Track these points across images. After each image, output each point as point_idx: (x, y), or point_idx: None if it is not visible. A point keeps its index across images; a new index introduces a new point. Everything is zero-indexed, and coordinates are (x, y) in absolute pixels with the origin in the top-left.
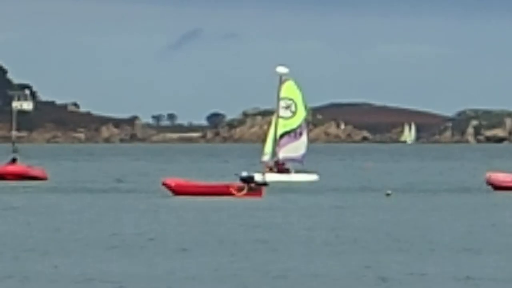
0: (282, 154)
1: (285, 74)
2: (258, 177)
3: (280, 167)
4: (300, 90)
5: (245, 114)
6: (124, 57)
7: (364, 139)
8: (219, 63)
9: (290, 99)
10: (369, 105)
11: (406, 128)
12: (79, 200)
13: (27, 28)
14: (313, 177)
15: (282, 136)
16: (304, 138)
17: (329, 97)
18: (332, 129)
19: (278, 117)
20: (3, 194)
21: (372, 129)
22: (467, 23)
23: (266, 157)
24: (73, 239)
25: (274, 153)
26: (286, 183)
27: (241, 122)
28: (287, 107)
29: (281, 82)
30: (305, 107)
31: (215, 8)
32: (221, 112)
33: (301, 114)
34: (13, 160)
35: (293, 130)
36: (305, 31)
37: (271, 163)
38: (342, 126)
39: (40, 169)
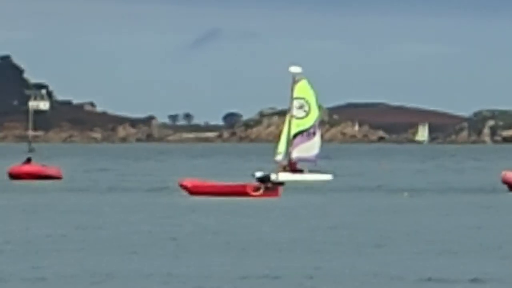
0: (295, 154)
1: (298, 74)
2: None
3: (293, 167)
4: (313, 89)
5: (262, 114)
6: (142, 56)
7: (381, 139)
8: (237, 62)
9: (304, 99)
10: (386, 105)
11: (420, 128)
12: (95, 199)
13: (44, 27)
14: (327, 176)
15: (295, 136)
16: (317, 138)
17: (345, 97)
18: (349, 129)
19: (292, 117)
20: (28, 193)
21: (389, 129)
22: (485, 23)
23: (279, 157)
24: (97, 237)
25: (287, 153)
26: (300, 182)
27: (257, 122)
28: (301, 107)
29: (294, 82)
30: (319, 107)
31: (234, 8)
32: (238, 112)
33: (314, 114)
34: (28, 160)
35: (306, 130)
36: (323, 30)
37: (285, 163)
38: (356, 127)
39: (55, 168)
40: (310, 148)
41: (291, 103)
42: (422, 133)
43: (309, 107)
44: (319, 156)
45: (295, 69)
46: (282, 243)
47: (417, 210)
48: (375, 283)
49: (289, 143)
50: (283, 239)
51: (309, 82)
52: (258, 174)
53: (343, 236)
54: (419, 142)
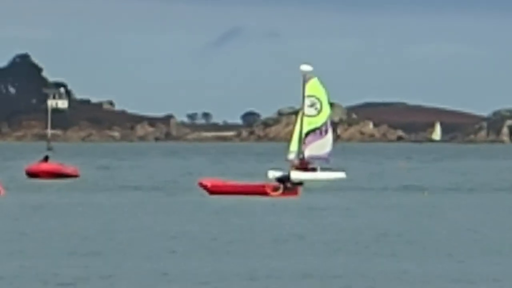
0: (307, 152)
1: (309, 72)
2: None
3: (304, 165)
4: (325, 88)
5: (280, 113)
6: (161, 55)
7: (399, 138)
8: (257, 61)
9: (315, 97)
10: (404, 104)
11: (437, 126)
12: (114, 198)
13: (63, 26)
14: (340, 174)
15: (307, 134)
16: (329, 136)
17: (364, 97)
18: (367, 128)
19: (303, 115)
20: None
21: (407, 128)
22: (503, 23)
23: (291, 155)
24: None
25: (299, 151)
26: (313, 181)
27: (276, 121)
28: (312, 105)
29: (305, 80)
30: (330, 105)
31: (256, 7)
32: (256, 111)
33: (326, 112)
34: (46, 158)
35: (318, 128)
36: (343, 30)
37: (297, 161)
38: (371, 126)
39: (73, 167)
40: (322, 146)
41: (303, 101)
42: (437, 132)
43: (321, 105)
44: (331, 154)
45: (305, 67)
46: (319, 243)
47: (441, 208)
48: (422, 283)
49: (302, 141)
50: (320, 239)
51: (320, 81)
52: (271, 173)
53: (376, 236)
54: (434, 141)
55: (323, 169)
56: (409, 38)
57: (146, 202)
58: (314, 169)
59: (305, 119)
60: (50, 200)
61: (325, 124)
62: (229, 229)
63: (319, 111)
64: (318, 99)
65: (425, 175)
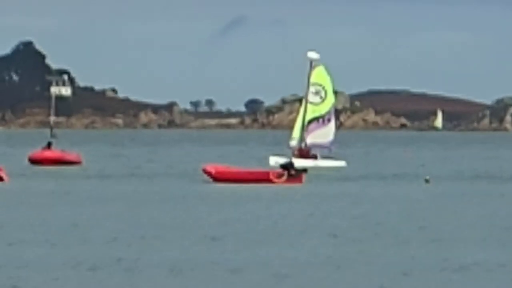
0: (309, 140)
1: (315, 60)
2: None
3: (304, 153)
4: (330, 76)
5: (284, 101)
6: (165, 43)
7: (402, 126)
8: (261, 49)
9: (320, 85)
10: (408, 92)
11: (438, 114)
12: (117, 186)
13: (66, 13)
14: (340, 163)
15: (310, 122)
16: (332, 124)
17: (367, 84)
18: (370, 116)
19: (307, 102)
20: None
21: (411, 116)
22: (506, 11)
23: (293, 142)
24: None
25: (302, 139)
26: (313, 169)
27: (279, 109)
28: (317, 93)
29: (311, 68)
30: (335, 93)
31: None
32: (260, 98)
33: (330, 100)
34: (49, 144)
35: (322, 116)
36: (347, 18)
37: (298, 149)
38: (372, 115)
39: (75, 154)
40: (325, 134)
41: (307, 89)
42: (438, 120)
43: (325, 93)
44: (334, 142)
45: (312, 55)
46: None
47: (446, 197)
48: (443, 272)
49: (304, 129)
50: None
51: (326, 68)
52: (272, 159)
53: (382, 224)
54: (436, 129)
55: (324, 157)
56: (413, 26)
57: (153, 189)
58: (315, 157)
59: (309, 106)
60: (55, 187)
61: (328, 112)
62: (245, 218)
63: (324, 99)
64: (323, 87)
65: (428, 163)
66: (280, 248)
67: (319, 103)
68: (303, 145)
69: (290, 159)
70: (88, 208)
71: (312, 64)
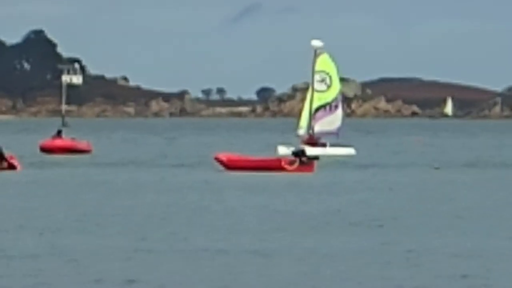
0: (317, 127)
1: (319, 48)
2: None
3: (313, 140)
4: (335, 63)
5: (295, 89)
6: (177, 31)
7: (414, 114)
8: (272, 37)
9: (325, 73)
10: (419, 80)
11: (448, 101)
12: (125, 174)
13: (77, 1)
14: (349, 150)
15: (317, 109)
16: (339, 111)
17: (379, 72)
18: (382, 104)
19: (313, 90)
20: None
21: (422, 104)
22: None
23: (301, 131)
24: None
25: (309, 127)
26: (322, 157)
27: (290, 97)
28: (322, 81)
29: (315, 56)
30: (344, 81)
31: None
32: (271, 86)
33: (336, 88)
34: (59, 133)
35: (328, 104)
36: (359, 6)
37: (306, 137)
38: (384, 103)
39: (85, 142)
40: (332, 121)
41: (313, 77)
42: (448, 107)
43: (331, 81)
44: (341, 129)
45: (316, 42)
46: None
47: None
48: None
49: (311, 117)
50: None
51: (331, 56)
52: (280, 148)
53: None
54: (446, 116)
55: (332, 145)
56: (425, 13)
57: (164, 177)
58: (324, 145)
59: (315, 94)
60: (66, 175)
61: (335, 99)
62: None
63: (329, 87)
64: (328, 74)
65: (439, 150)
66: (305, 237)
67: (325, 91)
68: (310, 132)
69: (298, 147)
70: (100, 196)
71: (316, 52)
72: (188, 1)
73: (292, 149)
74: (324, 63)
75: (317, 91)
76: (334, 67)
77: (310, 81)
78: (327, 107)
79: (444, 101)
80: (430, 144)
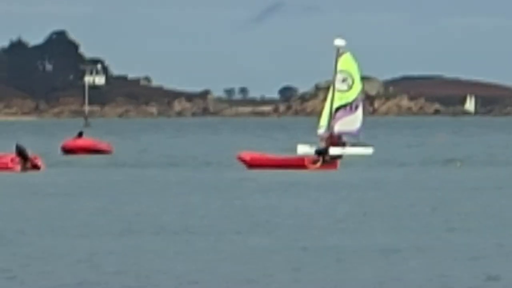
0: (337, 127)
1: (342, 47)
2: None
3: (333, 140)
4: (358, 63)
5: (318, 87)
6: (199, 31)
7: (436, 111)
8: (295, 36)
9: (347, 72)
10: (441, 77)
11: (469, 98)
12: (141, 175)
13: (99, 2)
14: (368, 150)
15: (337, 109)
16: (359, 111)
17: (401, 70)
18: (404, 102)
19: (335, 90)
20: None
21: (444, 101)
22: None
23: (321, 130)
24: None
25: (329, 127)
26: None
27: (313, 96)
28: (344, 80)
29: (338, 55)
30: (367, 79)
31: None
32: (293, 85)
33: (357, 88)
34: (80, 134)
35: (349, 104)
36: (381, 4)
37: (326, 136)
38: (406, 101)
39: (106, 143)
40: (352, 121)
41: (334, 76)
42: (469, 104)
43: (353, 81)
44: (361, 129)
45: (339, 41)
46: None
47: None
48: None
49: (332, 116)
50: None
51: (353, 55)
52: (300, 147)
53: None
54: (468, 113)
55: (352, 145)
56: (447, 11)
57: (188, 177)
58: (344, 144)
59: (336, 94)
60: (91, 177)
61: (356, 99)
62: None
63: (351, 87)
64: (350, 74)
65: (462, 147)
66: (338, 235)
67: (347, 91)
68: (330, 132)
69: (319, 146)
70: (125, 198)
71: (339, 51)
72: (211, 0)
73: (314, 147)
74: (347, 62)
75: (339, 90)
76: (356, 66)
77: (332, 80)
78: (348, 107)
79: (465, 99)
80: (452, 141)
